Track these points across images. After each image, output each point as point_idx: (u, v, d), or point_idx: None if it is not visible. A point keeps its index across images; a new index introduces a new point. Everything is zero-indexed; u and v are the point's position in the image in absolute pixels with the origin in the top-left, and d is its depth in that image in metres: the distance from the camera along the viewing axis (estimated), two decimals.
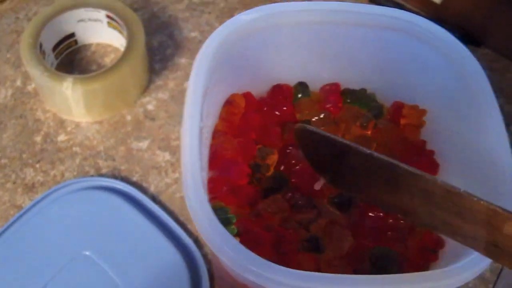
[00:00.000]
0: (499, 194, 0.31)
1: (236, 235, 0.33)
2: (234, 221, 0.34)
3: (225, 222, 0.33)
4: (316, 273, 0.28)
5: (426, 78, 0.40)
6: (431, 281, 0.28)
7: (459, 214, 0.27)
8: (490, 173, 0.33)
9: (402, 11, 0.38)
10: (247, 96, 0.40)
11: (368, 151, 0.30)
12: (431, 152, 0.40)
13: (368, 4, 0.59)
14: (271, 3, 0.36)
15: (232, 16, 0.57)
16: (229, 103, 0.38)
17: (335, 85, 0.41)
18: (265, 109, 0.40)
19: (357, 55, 0.40)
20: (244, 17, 0.34)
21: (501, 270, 0.47)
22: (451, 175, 0.38)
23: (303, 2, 0.36)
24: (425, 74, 0.40)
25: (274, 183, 0.36)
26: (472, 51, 0.37)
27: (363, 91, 0.41)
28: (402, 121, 0.40)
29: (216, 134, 0.37)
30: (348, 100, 0.41)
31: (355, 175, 0.32)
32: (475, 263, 0.29)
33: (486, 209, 0.26)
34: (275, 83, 0.41)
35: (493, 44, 0.58)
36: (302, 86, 0.41)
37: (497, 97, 0.35)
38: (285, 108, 0.40)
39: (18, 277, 0.42)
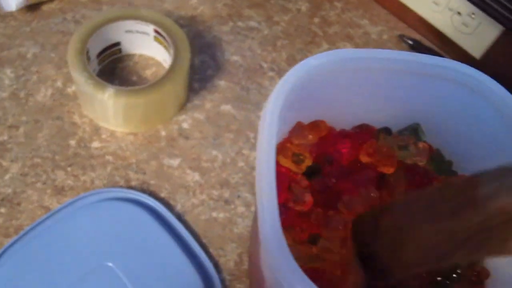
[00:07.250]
0: None
1: None
2: None
3: None
4: None
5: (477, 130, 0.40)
6: None
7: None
8: None
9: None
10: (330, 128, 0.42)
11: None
12: None
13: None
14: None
15: (274, 45, 0.58)
16: (316, 125, 0.40)
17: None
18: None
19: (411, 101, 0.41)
20: (313, 61, 0.35)
21: None
22: None
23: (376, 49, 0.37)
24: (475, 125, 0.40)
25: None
26: None
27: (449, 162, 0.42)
28: None
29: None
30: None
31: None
32: None
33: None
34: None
35: None
36: (386, 131, 0.42)
37: None
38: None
39: (38, 279, 0.42)
